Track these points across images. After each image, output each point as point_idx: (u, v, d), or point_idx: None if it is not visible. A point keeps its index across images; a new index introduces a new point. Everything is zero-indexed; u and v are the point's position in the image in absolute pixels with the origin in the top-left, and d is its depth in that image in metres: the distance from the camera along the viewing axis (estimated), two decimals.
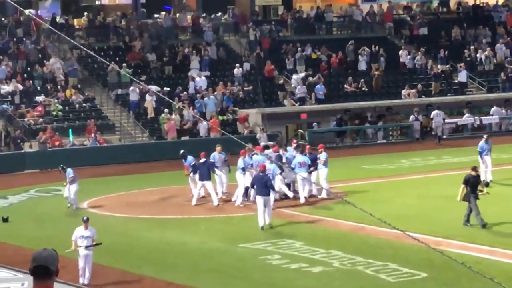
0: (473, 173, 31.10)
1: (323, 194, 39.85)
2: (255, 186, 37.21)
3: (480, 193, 30.71)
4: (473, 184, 30.50)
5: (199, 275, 27.50)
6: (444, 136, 60.43)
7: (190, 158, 41.26)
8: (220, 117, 54.21)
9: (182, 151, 41.77)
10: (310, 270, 27.72)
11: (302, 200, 39.59)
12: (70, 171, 37.76)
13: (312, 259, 29.09)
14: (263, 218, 36.01)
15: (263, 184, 36.20)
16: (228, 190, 40.98)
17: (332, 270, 27.79)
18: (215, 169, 40.11)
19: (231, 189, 41.28)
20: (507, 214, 34.98)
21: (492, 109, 61.78)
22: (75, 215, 37.58)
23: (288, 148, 43.11)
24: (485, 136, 39.26)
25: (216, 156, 40.50)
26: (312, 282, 26.41)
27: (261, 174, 37.34)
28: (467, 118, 59.92)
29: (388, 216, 26.84)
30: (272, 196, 37.35)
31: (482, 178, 36.85)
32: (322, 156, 40.62)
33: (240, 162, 39.21)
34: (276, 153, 41.74)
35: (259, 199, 35.93)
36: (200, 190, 40.11)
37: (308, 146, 44.40)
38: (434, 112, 56.75)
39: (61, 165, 40.69)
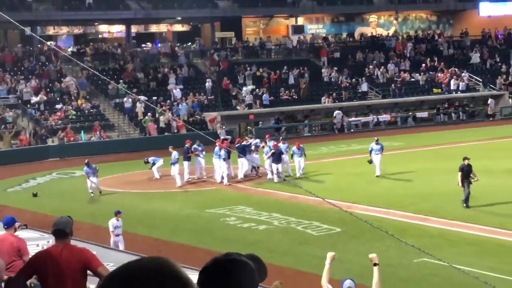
0: (466, 162, 28.86)
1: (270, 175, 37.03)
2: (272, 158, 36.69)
3: (472, 180, 28.37)
4: (466, 171, 28.48)
5: (178, 233, 27.11)
6: (352, 130, 57.12)
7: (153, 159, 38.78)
8: (190, 119, 52.23)
9: (145, 159, 39.34)
10: (257, 228, 27.50)
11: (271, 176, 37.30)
12: (93, 166, 34.66)
13: (258, 220, 28.79)
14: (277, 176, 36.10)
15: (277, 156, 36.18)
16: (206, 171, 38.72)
17: (273, 228, 27.51)
18: (200, 155, 37.71)
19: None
20: (398, 186, 34.38)
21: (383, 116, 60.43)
22: (84, 191, 35.52)
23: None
24: (376, 138, 36.92)
25: (197, 147, 37.61)
26: (259, 237, 26.06)
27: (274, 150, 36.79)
28: (368, 117, 58.26)
29: (313, 188, 28.22)
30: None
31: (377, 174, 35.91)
32: (270, 143, 38.01)
33: (217, 150, 36.47)
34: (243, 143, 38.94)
35: (274, 165, 36.34)
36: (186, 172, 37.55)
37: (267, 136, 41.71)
38: (336, 112, 55.61)
39: (145, 159, 39.28)
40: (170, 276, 1.92)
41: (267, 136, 41.49)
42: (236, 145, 38.91)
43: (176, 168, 36.75)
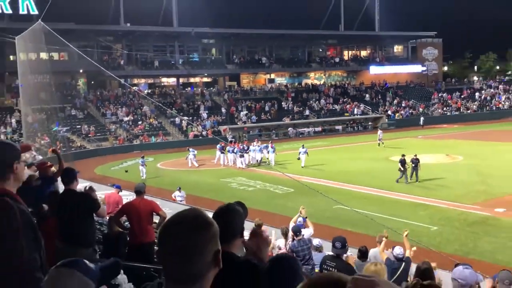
0: (403, 158, 26.54)
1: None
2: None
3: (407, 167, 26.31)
4: (414, 162, 26.35)
5: (205, 192, 25.90)
6: (300, 136, 55.80)
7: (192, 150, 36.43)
8: (212, 129, 51.73)
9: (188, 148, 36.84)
10: (247, 189, 26.92)
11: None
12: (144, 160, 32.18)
13: (248, 185, 28.17)
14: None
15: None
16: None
17: (257, 189, 26.87)
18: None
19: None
20: (325, 166, 33.34)
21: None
22: (152, 168, 36.18)
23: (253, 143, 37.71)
24: (302, 144, 35.07)
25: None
26: (248, 194, 24.84)
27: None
28: (309, 129, 57.98)
29: (279, 168, 28.70)
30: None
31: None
32: (255, 143, 36.82)
33: (229, 148, 35.51)
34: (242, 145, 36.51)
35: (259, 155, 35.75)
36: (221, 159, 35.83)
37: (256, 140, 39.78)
38: (289, 128, 55.47)
39: (188, 147, 36.83)
40: (198, 217, 1.89)
41: (255, 139, 39.84)
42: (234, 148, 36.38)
43: (191, 155, 35.45)
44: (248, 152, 35.94)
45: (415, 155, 27.10)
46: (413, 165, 26.66)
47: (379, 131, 46.07)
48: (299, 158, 33.71)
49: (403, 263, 8.71)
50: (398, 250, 8.99)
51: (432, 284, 3.81)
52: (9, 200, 2.84)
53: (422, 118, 61.76)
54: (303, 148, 34.11)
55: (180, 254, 1.81)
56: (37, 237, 2.91)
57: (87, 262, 2.15)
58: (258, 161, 36.22)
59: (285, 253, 8.75)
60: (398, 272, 8.28)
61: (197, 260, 1.82)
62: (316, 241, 10.07)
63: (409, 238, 10.91)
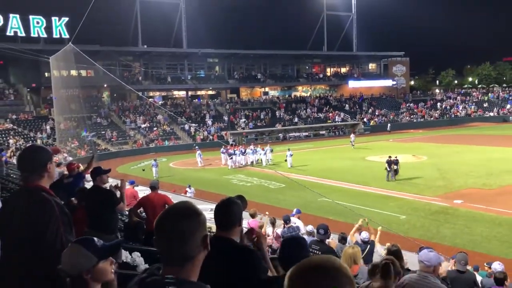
0: (395, 157, 25.64)
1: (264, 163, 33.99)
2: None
3: (394, 168, 25.40)
4: (389, 162, 25.32)
5: (209, 186, 25.65)
6: (290, 139, 56.49)
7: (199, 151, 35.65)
8: (216, 134, 51.80)
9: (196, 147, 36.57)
10: (246, 184, 26.64)
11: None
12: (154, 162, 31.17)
13: (247, 181, 27.88)
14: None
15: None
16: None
17: (254, 185, 26.53)
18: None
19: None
20: (312, 165, 33.34)
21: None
22: (166, 167, 35.81)
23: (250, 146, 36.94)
24: (288, 148, 34.18)
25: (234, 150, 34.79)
26: (247, 189, 24.59)
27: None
28: (297, 133, 58.60)
29: (272, 167, 28.25)
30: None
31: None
32: (251, 146, 36.31)
33: (231, 151, 34.39)
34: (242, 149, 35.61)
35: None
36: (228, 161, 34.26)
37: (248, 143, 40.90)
38: (281, 134, 55.31)
39: (195, 145, 36.78)
40: (188, 208, 1.94)
41: (252, 143, 39.94)
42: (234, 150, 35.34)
43: (198, 156, 34.94)
44: (245, 154, 35.28)
45: (396, 157, 26.23)
46: (394, 165, 25.76)
47: (352, 135, 46.16)
48: (286, 160, 33.16)
49: (368, 245, 8.79)
50: (364, 235, 9.09)
51: (393, 259, 3.89)
52: (45, 194, 2.93)
53: (389, 125, 61.52)
54: (289, 151, 33.45)
55: (174, 239, 1.84)
56: (70, 223, 2.99)
57: (95, 240, 2.24)
58: (254, 162, 35.39)
59: (296, 233, 8.74)
60: (364, 253, 8.30)
61: (189, 244, 1.85)
62: (309, 227, 10.09)
63: (370, 224, 10.82)
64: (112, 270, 2.26)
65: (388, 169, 25.58)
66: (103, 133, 49.19)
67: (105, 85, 56.31)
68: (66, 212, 2.98)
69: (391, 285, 3.79)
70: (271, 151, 35.22)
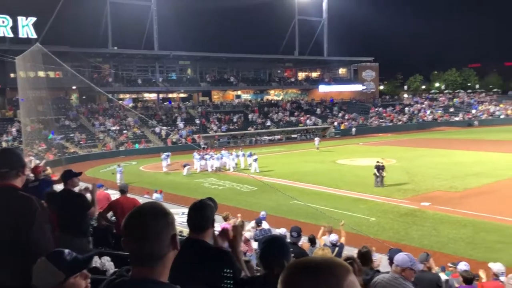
0: (381, 163, 24.90)
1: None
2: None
3: (382, 173, 24.68)
4: (382, 167, 24.40)
5: (180, 190, 25.40)
6: (262, 143, 56.53)
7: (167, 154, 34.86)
8: (188, 137, 51.39)
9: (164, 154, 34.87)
10: (218, 188, 26.32)
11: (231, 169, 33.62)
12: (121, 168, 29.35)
13: (219, 184, 27.56)
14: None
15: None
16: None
17: (226, 188, 26.29)
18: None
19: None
20: (283, 168, 33.37)
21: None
22: (134, 170, 35.27)
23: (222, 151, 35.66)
24: (250, 152, 33.85)
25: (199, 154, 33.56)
26: (218, 192, 24.44)
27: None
28: (270, 137, 58.23)
29: (245, 171, 28.10)
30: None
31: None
32: (223, 151, 35.13)
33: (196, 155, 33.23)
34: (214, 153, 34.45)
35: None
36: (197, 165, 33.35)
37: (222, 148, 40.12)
38: (254, 137, 55.68)
39: (166, 153, 33.93)
40: (155, 208, 1.90)
41: (223, 148, 39.00)
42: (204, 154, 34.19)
43: (165, 162, 33.68)
44: (213, 159, 34.07)
45: (378, 161, 25.58)
46: (382, 171, 24.96)
47: (316, 139, 46.56)
48: (250, 164, 32.66)
49: (337, 248, 8.93)
50: (333, 237, 9.24)
51: (354, 259, 4.00)
52: (23, 193, 2.92)
53: (354, 129, 62.47)
54: (253, 156, 32.58)
55: (142, 239, 1.81)
56: (50, 220, 3.01)
57: (65, 253, 2.13)
58: (232, 166, 34.08)
59: (276, 234, 8.74)
60: (333, 255, 8.24)
61: (157, 243, 1.82)
62: (282, 230, 10.16)
63: (345, 227, 11.11)
64: (87, 285, 2.15)
65: (377, 174, 24.85)
66: (71, 135, 48.47)
67: (74, 87, 55.57)
68: (46, 209, 2.98)
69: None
70: (250, 155, 33.74)
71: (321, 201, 21.24)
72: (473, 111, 73.27)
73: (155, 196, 21.31)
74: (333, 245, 8.98)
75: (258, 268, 3.65)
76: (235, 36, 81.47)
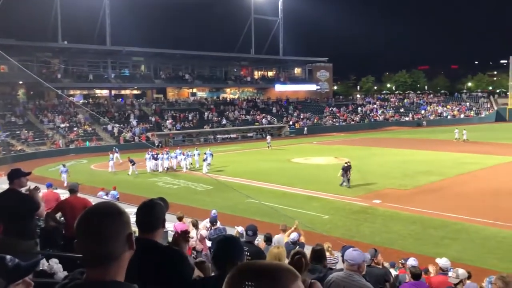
0: (349, 164, 24.24)
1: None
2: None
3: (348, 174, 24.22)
4: (349, 168, 23.99)
5: (134, 189, 24.51)
6: (219, 141, 56.07)
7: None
8: (141, 135, 50.58)
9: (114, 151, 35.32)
10: (172, 187, 26.11)
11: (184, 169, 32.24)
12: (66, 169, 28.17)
13: (173, 183, 27.22)
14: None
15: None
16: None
17: (180, 187, 26.06)
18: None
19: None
20: (240, 166, 33.40)
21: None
22: (83, 169, 34.27)
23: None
24: (196, 148, 34.26)
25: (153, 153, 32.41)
26: (173, 191, 24.35)
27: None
28: (226, 135, 58.08)
29: (199, 170, 27.66)
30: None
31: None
32: (178, 150, 33.44)
33: (148, 154, 32.22)
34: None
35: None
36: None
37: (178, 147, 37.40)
38: (210, 135, 54.97)
39: (130, 158, 31.34)
40: (109, 207, 1.86)
41: (178, 146, 37.70)
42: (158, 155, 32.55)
43: (112, 161, 32.39)
44: (170, 159, 32.94)
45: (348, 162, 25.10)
46: (348, 172, 24.54)
47: (268, 137, 46.98)
48: (208, 163, 31.69)
49: (297, 246, 8.91)
50: (293, 235, 9.37)
51: (304, 254, 4.15)
52: None
53: (305, 128, 63.09)
54: (204, 154, 31.85)
55: (96, 239, 1.76)
56: None
57: (6, 259, 1.98)
58: (179, 166, 33.21)
59: (230, 234, 8.70)
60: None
61: (113, 243, 1.78)
62: (240, 228, 10.14)
63: (299, 226, 11.15)
64: None
65: (344, 174, 24.47)
66: (18, 133, 46.64)
67: (21, 82, 53.94)
68: None
69: (305, 276, 3.99)
70: (211, 155, 32.77)
71: (276, 199, 21.38)
72: (422, 111, 76.44)
73: (112, 193, 20.94)
74: (293, 243, 9.00)
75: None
76: (191, 33, 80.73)
